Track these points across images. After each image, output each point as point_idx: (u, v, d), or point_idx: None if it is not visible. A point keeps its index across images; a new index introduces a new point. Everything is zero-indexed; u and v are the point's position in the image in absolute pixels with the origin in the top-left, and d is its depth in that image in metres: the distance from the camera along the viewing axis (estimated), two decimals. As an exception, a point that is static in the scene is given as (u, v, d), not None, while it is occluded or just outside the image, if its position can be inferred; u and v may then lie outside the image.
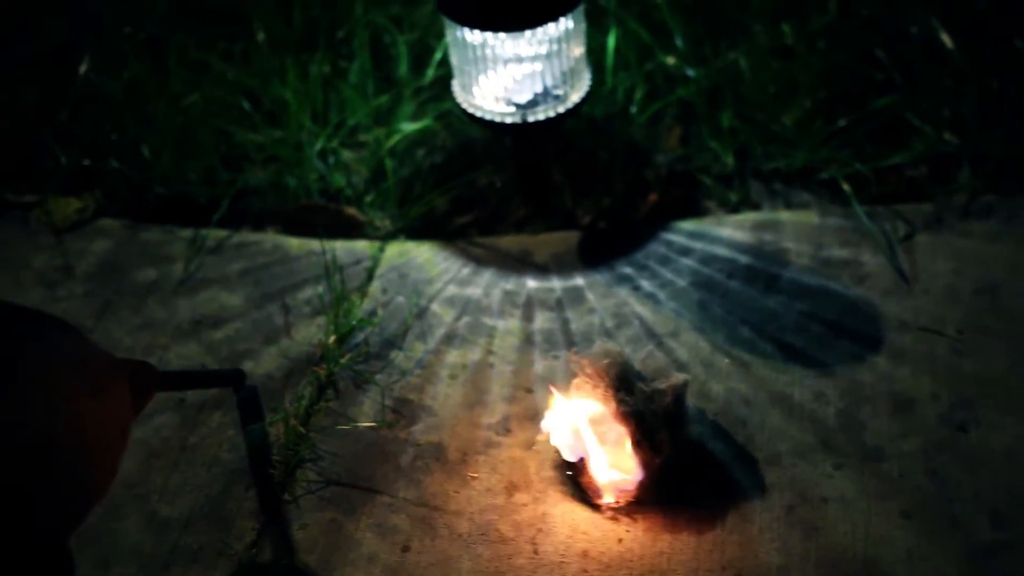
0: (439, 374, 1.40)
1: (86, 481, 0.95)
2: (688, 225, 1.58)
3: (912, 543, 1.17)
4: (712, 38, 1.81)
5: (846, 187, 1.59)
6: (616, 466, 1.22)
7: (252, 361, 1.42)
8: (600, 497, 1.23)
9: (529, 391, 1.37)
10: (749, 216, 1.59)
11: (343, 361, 1.41)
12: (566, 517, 1.23)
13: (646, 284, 1.50)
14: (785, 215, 1.58)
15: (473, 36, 1.44)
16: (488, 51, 1.45)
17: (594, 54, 1.75)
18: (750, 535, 1.20)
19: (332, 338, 1.42)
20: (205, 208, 1.66)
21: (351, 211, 1.64)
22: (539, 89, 1.49)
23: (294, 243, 1.60)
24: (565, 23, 1.43)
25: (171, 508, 1.27)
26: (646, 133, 1.73)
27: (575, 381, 1.25)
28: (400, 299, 1.50)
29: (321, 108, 1.77)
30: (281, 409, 1.35)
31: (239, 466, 1.31)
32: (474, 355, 1.42)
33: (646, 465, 1.22)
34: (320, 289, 1.51)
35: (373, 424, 1.34)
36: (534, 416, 1.33)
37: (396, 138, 1.72)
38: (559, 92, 1.49)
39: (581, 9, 1.45)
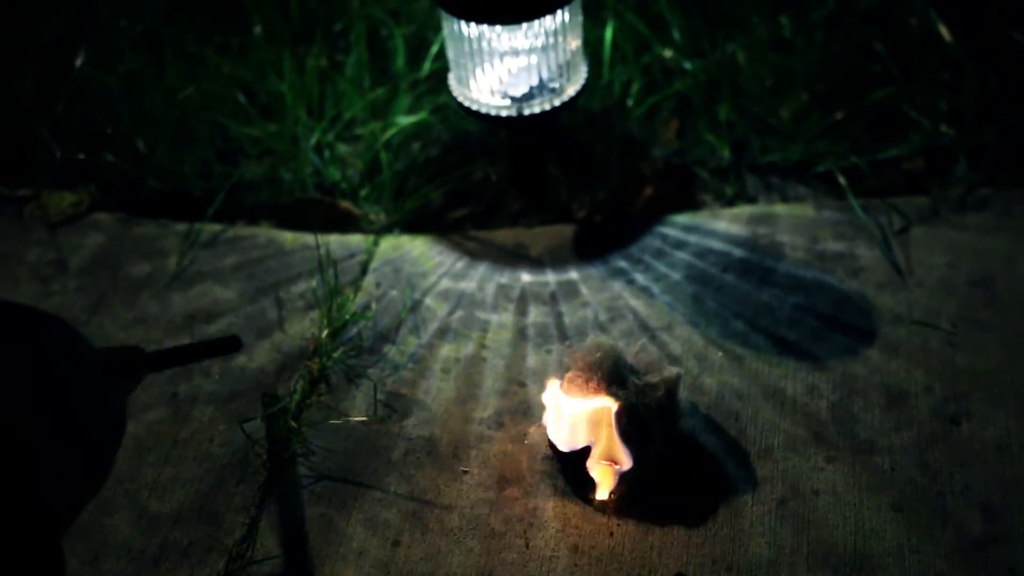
0: (432, 368, 1.40)
1: (78, 476, 0.94)
2: (683, 219, 1.58)
3: (903, 536, 1.17)
4: (710, 31, 1.80)
5: (842, 180, 1.58)
6: (608, 459, 1.21)
7: (245, 355, 1.42)
8: (592, 491, 1.23)
9: (522, 385, 1.36)
10: (745, 209, 1.58)
11: (336, 355, 1.41)
12: (557, 511, 1.23)
13: (640, 278, 1.49)
14: (781, 208, 1.58)
15: (470, 29, 1.44)
16: (484, 44, 1.45)
17: (591, 47, 1.74)
18: (741, 528, 1.19)
19: (325, 332, 1.42)
20: (200, 202, 1.66)
21: (346, 205, 1.64)
22: (535, 82, 1.48)
23: (288, 237, 1.60)
24: (562, 15, 1.43)
25: (162, 503, 1.27)
26: (642, 126, 1.72)
27: (568, 375, 1.25)
28: (394, 293, 1.50)
29: (317, 102, 1.76)
30: (273, 403, 1.35)
31: (230, 460, 1.30)
32: (467, 349, 1.42)
33: (638, 459, 1.21)
34: (314, 283, 1.51)
35: (365, 418, 1.34)
36: (526, 410, 1.33)
37: (392, 132, 1.71)
38: (555, 85, 1.49)
39: (578, 1, 1.44)
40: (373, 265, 1.54)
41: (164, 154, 1.70)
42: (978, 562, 1.15)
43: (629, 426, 1.20)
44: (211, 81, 1.80)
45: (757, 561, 1.16)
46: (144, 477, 1.29)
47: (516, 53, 1.46)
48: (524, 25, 1.42)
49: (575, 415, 1.23)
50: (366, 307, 1.48)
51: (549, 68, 1.47)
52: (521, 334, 1.43)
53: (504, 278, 1.51)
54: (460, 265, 1.54)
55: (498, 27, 1.42)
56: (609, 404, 1.20)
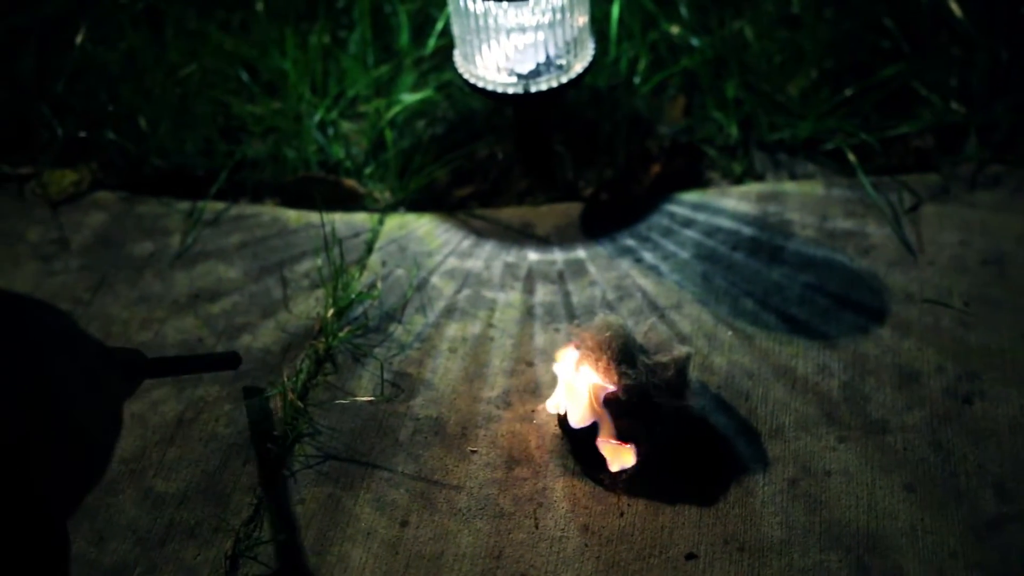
0: (439, 347, 1.38)
1: (79, 467, 0.93)
2: (691, 196, 1.56)
3: (916, 516, 1.16)
4: (717, 7, 1.78)
5: (852, 157, 1.57)
6: (618, 438, 1.20)
7: (250, 335, 1.41)
8: (602, 469, 1.21)
9: (530, 364, 1.35)
10: (753, 187, 1.57)
11: (342, 335, 1.39)
12: (567, 491, 1.22)
13: (648, 256, 1.48)
14: (789, 186, 1.56)
15: (476, 5, 1.42)
16: (491, 20, 1.43)
17: (597, 23, 1.73)
18: (752, 509, 1.18)
19: (331, 311, 1.41)
20: (203, 180, 1.64)
21: (350, 183, 1.62)
22: (542, 59, 1.46)
23: (292, 215, 1.59)
24: (568, -9, 1.41)
25: (168, 483, 1.26)
26: (649, 104, 1.71)
27: (577, 354, 1.24)
28: (400, 272, 1.49)
29: (320, 79, 1.74)
30: (279, 383, 1.34)
31: (236, 441, 1.29)
32: (474, 328, 1.41)
33: (648, 438, 1.20)
34: (319, 262, 1.49)
35: (372, 398, 1.33)
36: (535, 390, 1.32)
37: (396, 109, 1.70)
38: (562, 62, 1.47)
39: (585, -23, 1.43)
40: (378, 244, 1.53)
41: (166, 132, 1.68)
42: (992, 542, 1.14)
43: (639, 405, 1.19)
44: (213, 58, 1.78)
45: (769, 541, 1.15)
46: (149, 457, 1.28)
47: (523, 29, 1.44)
48: (531, 1, 1.40)
49: (586, 391, 1.21)
50: (372, 286, 1.46)
51: (556, 45, 1.46)
52: (528, 313, 1.42)
53: (511, 256, 1.50)
54: (466, 244, 1.52)
55: (505, 3, 1.41)
56: (620, 383, 1.19)
